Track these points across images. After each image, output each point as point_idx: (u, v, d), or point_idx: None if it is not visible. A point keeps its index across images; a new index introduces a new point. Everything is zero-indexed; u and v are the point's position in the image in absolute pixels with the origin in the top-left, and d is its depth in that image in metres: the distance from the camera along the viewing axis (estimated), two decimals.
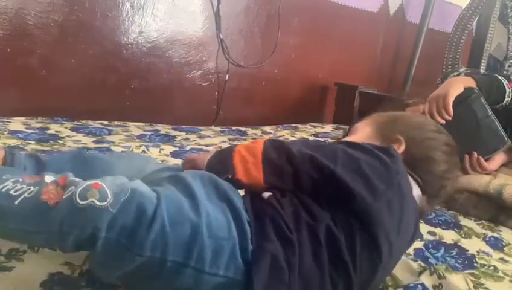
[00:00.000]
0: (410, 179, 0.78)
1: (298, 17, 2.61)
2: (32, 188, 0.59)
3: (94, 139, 1.54)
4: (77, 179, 0.60)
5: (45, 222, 0.57)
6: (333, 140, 1.87)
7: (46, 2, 1.80)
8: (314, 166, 0.67)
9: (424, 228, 1.14)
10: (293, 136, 2.07)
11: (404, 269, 0.88)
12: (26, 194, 0.58)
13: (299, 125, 2.33)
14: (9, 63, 1.78)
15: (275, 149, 0.70)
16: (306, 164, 0.68)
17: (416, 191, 0.79)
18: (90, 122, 1.80)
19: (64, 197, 0.57)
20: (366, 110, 2.28)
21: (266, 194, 0.69)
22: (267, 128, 2.18)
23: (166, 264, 0.56)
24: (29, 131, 1.49)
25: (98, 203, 0.55)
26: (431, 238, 1.08)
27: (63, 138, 1.47)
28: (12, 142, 1.35)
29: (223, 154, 0.74)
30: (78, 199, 0.56)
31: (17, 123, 1.56)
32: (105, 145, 1.46)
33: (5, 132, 1.44)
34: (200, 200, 0.61)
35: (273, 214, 0.63)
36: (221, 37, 2.32)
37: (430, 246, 1.03)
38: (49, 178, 0.60)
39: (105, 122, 1.85)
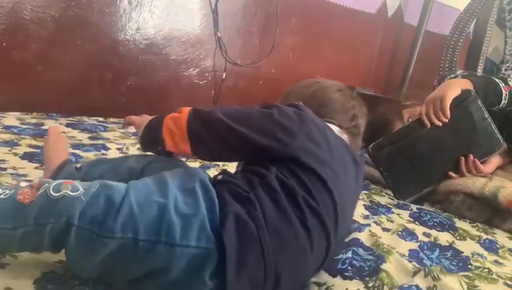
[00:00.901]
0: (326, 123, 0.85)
1: (296, 17, 2.61)
2: (7, 191, 0.61)
3: (89, 135, 1.53)
4: (49, 179, 0.63)
5: (21, 216, 0.59)
6: None
7: None
8: (231, 133, 0.73)
9: (419, 229, 1.14)
10: None
11: (399, 269, 0.88)
12: (2, 196, 0.61)
13: None
14: (4, 57, 1.76)
15: (197, 120, 0.76)
16: (224, 132, 0.74)
17: (335, 128, 0.86)
18: (86, 119, 1.79)
19: (38, 193, 0.60)
20: None
21: (219, 177, 0.74)
22: None
23: (139, 244, 0.58)
24: (24, 126, 1.48)
25: (71, 193, 0.60)
26: (426, 239, 1.08)
27: (58, 133, 1.46)
28: (7, 137, 1.34)
29: (153, 129, 0.80)
30: (52, 192, 0.60)
31: (11, 118, 1.55)
32: (100, 142, 1.46)
33: (0, 127, 1.43)
34: (170, 188, 0.64)
35: (229, 186, 0.68)
36: (219, 35, 2.32)
37: (425, 247, 1.03)
38: (24, 183, 0.64)
39: (101, 119, 1.84)
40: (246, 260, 0.59)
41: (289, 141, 0.72)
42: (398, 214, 1.24)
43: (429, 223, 1.19)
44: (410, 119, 1.53)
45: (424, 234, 1.11)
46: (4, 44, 1.75)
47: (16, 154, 1.21)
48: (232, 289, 0.58)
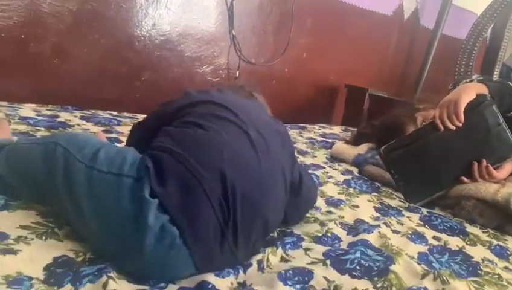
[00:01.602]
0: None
1: (311, 17, 2.60)
2: None
3: (103, 128, 1.55)
4: None
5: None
6: (341, 141, 1.87)
7: None
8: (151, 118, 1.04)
9: (429, 232, 1.13)
10: (301, 136, 2.06)
11: (407, 271, 0.88)
12: None
13: (308, 126, 2.33)
14: (22, 49, 1.79)
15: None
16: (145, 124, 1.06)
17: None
18: (100, 112, 1.81)
19: None
20: (375, 113, 2.29)
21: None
22: None
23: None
24: (40, 118, 1.50)
25: None
26: (436, 243, 1.07)
27: (73, 126, 1.48)
28: (23, 128, 1.36)
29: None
30: None
31: (27, 109, 1.57)
32: (113, 135, 1.47)
33: (16, 118, 1.45)
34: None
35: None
36: (234, 33, 2.32)
37: (435, 251, 1.02)
38: None
39: (115, 113, 1.86)
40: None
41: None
42: (408, 217, 1.23)
43: (439, 227, 1.18)
44: (423, 123, 1.52)
45: (434, 237, 1.11)
46: (22, 36, 1.77)
47: None
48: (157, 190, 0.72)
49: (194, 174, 0.74)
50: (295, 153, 1.06)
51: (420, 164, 1.36)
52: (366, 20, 2.86)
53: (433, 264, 0.95)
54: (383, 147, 1.39)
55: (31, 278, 0.65)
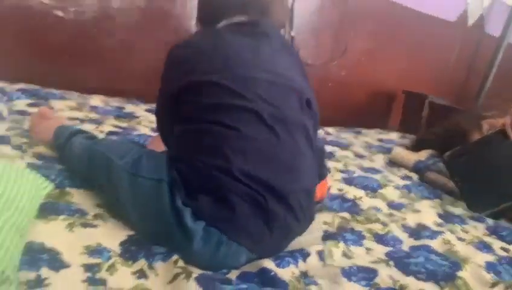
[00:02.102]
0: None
1: (372, 21, 2.57)
2: None
3: None
4: None
5: None
6: (400, 147, 1.83)
7: None
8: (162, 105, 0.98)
9: (496, 243, 1.09)
10: (356, 139, 2.03)
11: (475, 278, 0.86)
12: None
13: (363, 130, 2.29)
14: (93, 42, 1.87)
15: None
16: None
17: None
18: None
19: None
20: (434, 121, 2.22)
21: None
22: (330, 130, 2.16)
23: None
24: (108, 108, 1.57)
25: None
26: (504, 254, 1.03)
27: (138, 117, 1.54)
28: (93, 116, 1.43)
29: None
30: None
31: (96, 100, 1.65)
32: None
33: (87, 106, 1.52)
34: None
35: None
36: (292, 34, 2.33)
37: (504, 261, 0.98)
38: None
39: None
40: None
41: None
42: (473, 226, 1.18)
43: (507, 239, 1.13)
44: (489, 131, 1.46)
45: (502, 248, 1.06)
46: (95, 30, 1.86)
47: (101, 131, 1.29)
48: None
49: (223, 184, 0.74)
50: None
51: (486, 173, 1.31)
52: (428, 26, 2.78)
53: (502, 274, 0.91)
54: (447, 154, 1.35)
55: (109, 251, 0.68)
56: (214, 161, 0.75)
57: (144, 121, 1.49)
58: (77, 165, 0.92)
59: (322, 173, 0.98)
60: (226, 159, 0.74)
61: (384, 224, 1.06)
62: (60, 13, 1.77)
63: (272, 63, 0.86)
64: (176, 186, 0.74)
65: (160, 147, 1.03)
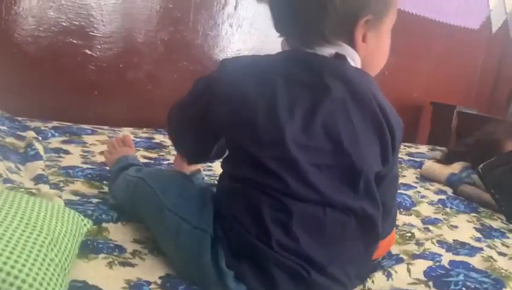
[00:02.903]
0: None
1: (394, 33, 2.55)
2: None
3: None
4: None
5: None
6: (431, 160, 1.80)
7: (154, 22, 1.95)
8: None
9: None
10: None
11: None
12: None
13: None
14: (120, 77, 1.94)
15: None
16: None
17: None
18: None
19: None
20: (464, 131, 2.17)
21: None
22: None
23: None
24: (137, 139, 1.61)
25: None
26: None
27: (168, 146, 1.57)
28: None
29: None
30: None
31: (126, 132, 1.69)
32: None
33: None
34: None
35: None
36: None
37: None
38: None
39: None
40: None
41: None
42: None
43: None
44: None
45: None
46: (121, 65, 1.93)
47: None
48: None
49: (267, 257, 0.67)
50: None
51: None
52: (451, 36, 2.75)
53: None
54: (481, 165, 1.32)
55: (149, 283, 0.69)
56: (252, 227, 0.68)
57: (173, 151, 1.52)
58: (120, 196, 0.94)
59: (385, 231, 0.80)
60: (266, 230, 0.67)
61: (420, 242, 1.04)
62: (88, 51, 1.85)
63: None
64: (219, 242, 0.69)
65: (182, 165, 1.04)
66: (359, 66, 0.76)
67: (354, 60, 0.74)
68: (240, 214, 0.69)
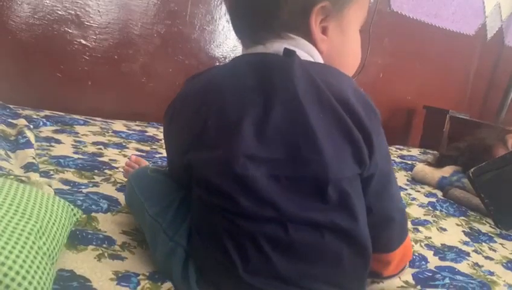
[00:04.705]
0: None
1: (389, 37, 2.57)
2: None
3: None
4: None
5: None
6: (422, 163, 1.81)
7: (151, 14, 1.94)
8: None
9: None
10: None
11: None
12: None
13: None
14: (114, 69, 1.92)
15: None
16: None
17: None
18: None
19: None
20: (456, 135, 2.19)
21: None
22: None
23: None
24: (130, 132, 1.60)
25: None
26: None
27: (160, 140, 1.56)
28: (116, 140, 1.46)
29: None
30: None
31: (119, 124, 1.69)
32: None
33: (110, 131, 1.56)
34: None
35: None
36: None
37: None
38: None
39: None
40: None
41: None
42: (501, 244, 1.16)
43: None
44: None
45: None
46: (116, 57, 1.91)
47: (125, 155, 1.31)
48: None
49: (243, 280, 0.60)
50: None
51: None
52: (446, 41, 2.77)
53: None
54: (472, 170, 1.33)
55: (137, 275, 0.69)
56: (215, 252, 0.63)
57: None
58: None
59: (391, 241, 0.72)
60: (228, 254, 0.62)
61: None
62: (82, 41, 1.83)
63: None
64: (192, 259, 0.66)
65: None
66: (320, 61, 0.67)
67: (312, 54, 0.66)
68: (204, 236, 0.65)
